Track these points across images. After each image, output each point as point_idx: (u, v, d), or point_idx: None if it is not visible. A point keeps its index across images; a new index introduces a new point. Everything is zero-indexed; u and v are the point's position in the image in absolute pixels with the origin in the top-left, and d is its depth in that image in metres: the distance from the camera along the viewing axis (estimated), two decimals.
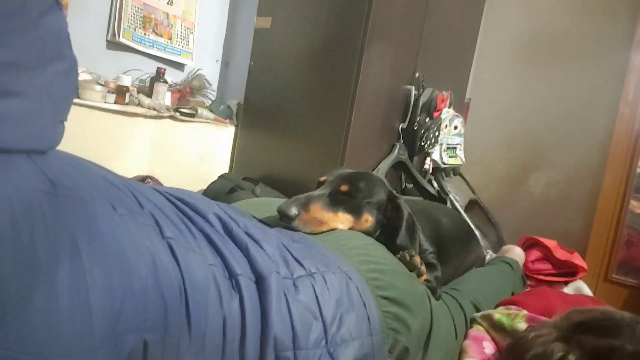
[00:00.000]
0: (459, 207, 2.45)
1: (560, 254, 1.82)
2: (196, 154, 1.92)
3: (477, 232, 2.34)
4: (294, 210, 0.87)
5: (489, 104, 2.92)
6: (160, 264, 0.49)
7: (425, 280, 1.01)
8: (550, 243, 1.87)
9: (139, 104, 1.73)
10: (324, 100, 1.96)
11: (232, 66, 2.21)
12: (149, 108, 1.74)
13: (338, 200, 0.94)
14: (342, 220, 0.94)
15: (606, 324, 0.75)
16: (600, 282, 2.44)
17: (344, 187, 0.96)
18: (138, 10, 1.80)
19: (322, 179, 1.01)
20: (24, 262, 0.36)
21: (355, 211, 0.96)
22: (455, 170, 2.65)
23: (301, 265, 0.70)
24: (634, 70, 2.36)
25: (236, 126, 2.12)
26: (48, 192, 0.41)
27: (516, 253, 1.63)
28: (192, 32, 2.03)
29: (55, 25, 0.44)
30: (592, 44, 2.60)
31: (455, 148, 2.54)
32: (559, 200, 2.60)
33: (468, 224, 1.77)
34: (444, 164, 2.46)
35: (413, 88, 2.18)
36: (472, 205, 2.73)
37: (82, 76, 1.63)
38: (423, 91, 2.21)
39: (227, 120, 2.09)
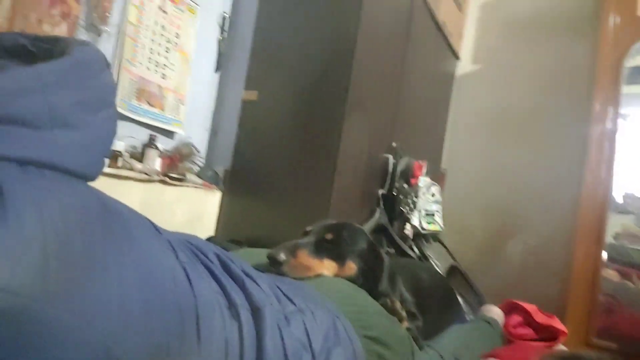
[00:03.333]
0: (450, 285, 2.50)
1: (541, 318, 1.85)
2: (184, 217, 1.98)
3: (458, 297, 2.38)
4: (282, 256, 0.93)
5: (463, 173, 3.08)
6: (178, 281, 0.54)
7: (407, 328, 1.05)
8: (530, 307, 1.91)
9: (131, 168, 1.81)
10: (307, 167, 2.07)
11: (220, 135, 2.33)
12: (140, 172, 1.81)
13: (323, 248, 1.01)
14: (327, 267, 1.00)
15: (575, 356, 0.80)
16: (581, 347, 2.45)
17: (328, 236, 1.02)
18: (134, 83, 1.93)
19: (307, 228, 1.08)
20: (89, 255, 0.43)
21: (339, 258, 1.02)
22: (434, 237, 2.73)
23: (292, 302, 0.75)
24: (593, 141, 2.55)
25: (222, 192, 2.20)
26: (102, 209, 0.48)
27: (495, 312, 1.67)
28: (182, 104, 2.17)
29: (109, 79, 0.54)
30: (554, 118, 2.82)
31: (433, 215, 2.64)
32: (536, 266, 2.67)
33: (447, 282, 1.82)
34: (424, 229, 2.54)
35: (391, 157, 2.32)
36: (453, 272, 2.78)
37: None
38: (400, 159, 2.34)
39: (214, 186, 2.17)
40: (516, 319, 1.87)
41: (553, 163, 2.76)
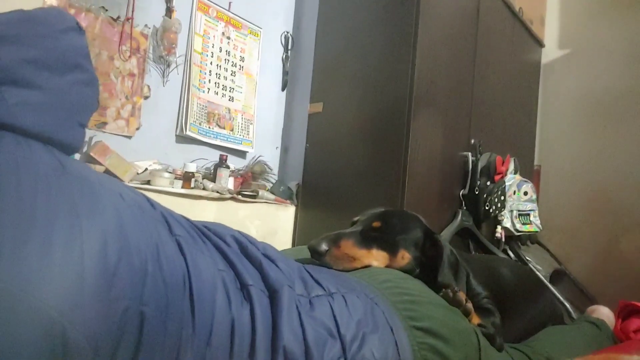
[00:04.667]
0: (541, 278, 2.24)
1: None
2: (258, 232, 1.99)
3: (567, 304, 2.11)
4: (323, 246, 0.87)
5: (562, 167, 2.78)
6: (164, 251, 0.50)
7: (479, 325, 0.92)
8: None
9: (204, 188, 1.87)
10: (376, 173, 1.99)
11: (290, 151, 2.35)
12: (212, 191, 1.87)
13: (371, 237, 0.92)
14: (376, 257, 0.91)
15: None
16: None
17: (376, 224, 0.94)
18: (203, 107, 2.02)
19: (355, 219, 1.01)
20: (23, 212, 0.40)
21: (390, 248, 0.93)
22: (532, 239, 2.47)
23: (320, 285, 0.69)
24: None
25: (296, 206, 2.19)
26: (56, 168, 0.46)
27: (603, 313, 1.43)
28: (251, 123, 2.22)
29: (76, 43, 0.53)
30: None
31: (528, 214, 2.39)
32: None
33: (537, 277, 1.60)
34: (518, 231, 2.31)
35: (470, 154, 2.16)
36: (560, 277, 2.48)
37: (153, 166, 1.83)
38: (481, 156, 2.17)
39: (288, 201, 2.17)
40: (637, 323, 1.60)
41: None
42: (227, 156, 2.02)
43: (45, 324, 0.37)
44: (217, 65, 2.12)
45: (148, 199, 0.58)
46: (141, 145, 1.85)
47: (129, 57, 1.78)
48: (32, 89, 0.47)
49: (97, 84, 0.58)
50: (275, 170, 2.35)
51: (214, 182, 1.96)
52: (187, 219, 0.63)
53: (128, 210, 0.50)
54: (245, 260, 0.64)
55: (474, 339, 0.80)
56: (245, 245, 0.67)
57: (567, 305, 2.12)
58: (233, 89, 2.18)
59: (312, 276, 0.70)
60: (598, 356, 0.98)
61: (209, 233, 0.64)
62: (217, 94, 2.11)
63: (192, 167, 1.87)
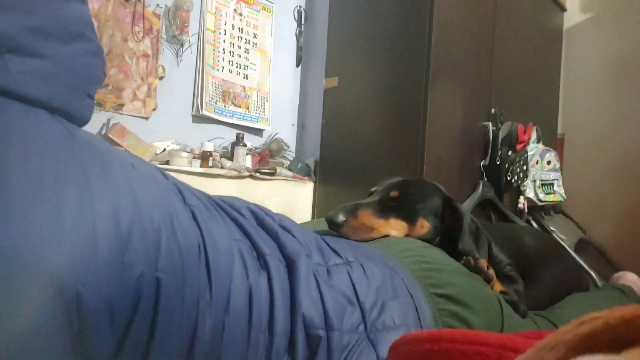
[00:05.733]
0: (564, 246, 2.20)
1: None
2: (277, 209, 1.99)
3: (592, 273, 2.07)
4: (341, 217, 0.86)
5: (585, 136, 2.70)
6: (177, 220, 0.50)
7: (501, 292, 0.91)
8: None
9: (222, 167, 1.88)
10: (394, 146, 1.97)
11: (307, 128, 2.33)
12: (230, 169, 1.88)
13: (389, 207, 0.91)
14: (394, 227, 0.91)
15: None
16: None
17: (394, 193, 0.93)
18: (218, 86, 2.01)
19: (372, 189, 1.00)
20: (32, 177, 0.39)
21: (409, 217, 0.92)
22: (555, 208, 2.43)
23: (338, 254, 0.68)
24: None
25: (314, 182, 2.19)
26: (65, 136, 0.46)
27: (629, 279, 1.40)
28: (267, 101, 2.21)
29: (79, 12, 0.52)
30: None
31: (552, 184, 2.34)
32: None
33: (560, 245, 1.57)
34: (541, 201, 2.27)
35: (490, 124, 2.11)
36: (585, 246, 2.44)
37: (171, 147, 1.84)
38: (502, 125, 2.12)
39: (306, 177, 2.17)
40: None
41: None
42: (243, 134, 2.02)
43: (57, 287, 0.37)
44: (231, 43, 2.10)
45: (160, 170, 0.58)
46: (158, 126, 1.86)
47: (142, 37, 1.78)
48: (36, 57, 0.46)
49: (103, 54, 0.57)
50: (292, 147, 2.34)
51: (232, 160, 1.97)
52: (201, 192, 0.63)
53: (140, 179, 0.50)
54: (262, 231, 0.63)
55: (496, 306, 0.79)
56: (261, 217, 0.66)
57: (593, 273, 2.08)
58: (247, 66, 2.17)
59: (329, 246, 0.70)
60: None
61: (224, 205, 0.64)
62: (231, 72, 2.10)
63: (209, 146, 1.88)
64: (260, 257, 0.58)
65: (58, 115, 0.48)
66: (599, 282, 2.00)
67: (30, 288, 0.36)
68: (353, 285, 0.63)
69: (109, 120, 1.66)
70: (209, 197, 0.63)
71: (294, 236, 0.65)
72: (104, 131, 1.66)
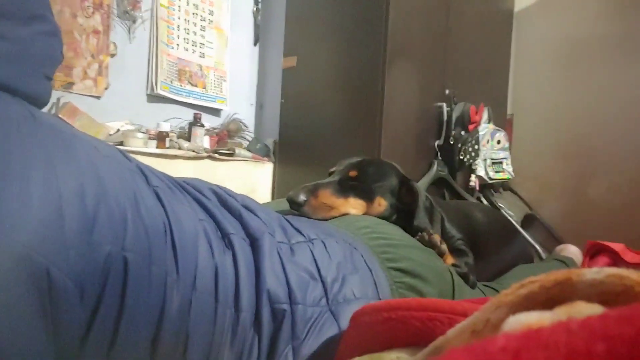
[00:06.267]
0: (512, 222, 2.33)
1: (630, 257, 1.66)
2: (236, 189, 1.99)
3: (537, 246, 2.20)
4: (302, 197, 0.88)
5: (533, 116, 2.83)
6: (142, 200, 0.50)
7: (453, 265, 0.96)
8: (618, 247, 1.71)
9: (179, 148, 1.85)
10: (352, 126, 2.00)
11: (266, 107, 2.32)
12: (188, 150, 1.85)
13: (348, 186, 0.94)
14: (353, 205, 0.94)
15: None
16: None
17: (352, 173, 0.96)
18: (173, 64, 1.96)
19: (331, 169, 1.02)
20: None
21: (367, 195, 0.95)
22: (504, 186, 2.54)
23: (300, 232, 0.70)
24: None
25: (274, 162, 2.19)
26: (28, 118, 0.45)
27: (571, 251, 1.50)
28: (224, 80, 2.18)
29: None
30: (636, 41, 2.48)
31: (501, 162, 2.45)
32: (623, 206, 2.39)
33: (508, 220, 1.67)
34: (491, 179, 2.37)
35: (444, 105, 2.17)
36: (531, 221, 2.58)
37: (125, 127, 1.79)
38: (455, 106, 2.19)
39: (265, 158, 2.17)
40: (603, 260, 1.69)
41: (635, 94, 2.43)
42: (201, 115, 1.99)
43: (29, 266, 0.37)
44: (186, 19, 2.05)
45: (123, 152, 0.57)
46: (111, 106, 1.80)
47: (92, 13, 1.70)
48: None
49: (60, 35, 0.56)
50: (251, 127, 2.33)
51: (189, 141, 1.94)
52: (164, 174, 0.63)
53: (103, 160, 0.49)
54: (225, 211, 0.64)
55: (448, 277, 0.84)
56: (224, 198, 0.67)
57: (537, 247, 2.22)
58: (203, 44, 2.12)
59: (291, 224, 0.71)
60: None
61: (186, 186, 0.64)
62: (187, 50, 2.05)
63: (166, 127, 1.84)
64: (225, 237, 0.59)
65: (19, 98, 0.47)
66: (543, 255, 2.13)
67: (1, 267, 0.36)
68: (315, 261, 0.65)
69: (58, 100, 1.60)
70: (171, 178, 0.63)
71: (257, 216, 0.66)
72: (53, 111, 1.59)
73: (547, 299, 0.31)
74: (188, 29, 2.05)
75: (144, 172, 0.56)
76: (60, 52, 0.56)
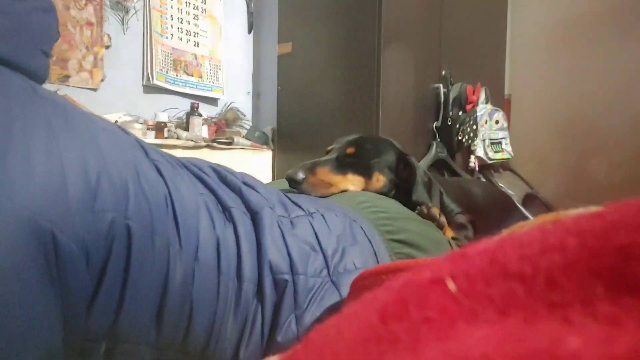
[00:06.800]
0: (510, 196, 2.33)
1: None
2: None
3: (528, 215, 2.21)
4: (300, 174, 0.89)
5: (532, 96, 2.82)
6: (143, 172, 0.50)
7: (453, 238, 0.97)
8: None
9: (178, 138, 1.85)
10: (350, 111, 2.00)
11: (262, 96, 2.32)
12: (186, 140, 1.85)
13: (346, 163, 0.95)
14: (352, 182, 0.94)
15: None
16: None
17: (350, 150, 0.96)
18: (168, 54, 1.96)
19: (329, 147, 1.02)
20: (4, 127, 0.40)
21: (365, 171, 0.95)
22: (504, 166, 2.55)
23: (299, 207, 0.70)
24: None
25: (273, 150, 2.19)
26: (28, 90, 0.45)
27: None
28: (220, 69, 2.17)
29: None
30: (633, 17, 2.47)
31: (500, 143, 2.45)
32: (625, 182, 2.40)
33: (508, 197, 1.67)
34: (490, 159, 2.38)
35: (441, 86, 2.17)
36: (532, 200, 2.59)
37: (123, 118, 1.79)
38: (452, 87, 2.19)
39: (264, 146, 2.17)
40: None
41: (633, 69, 2.42)
42: (198, 104, 1.99)
43: (35, 229, 0.38)
44: (179, 9, 2.04)
45: (121, 127, 0.58)
46: (108, 97, 1.80)
47: (85, 5, 1.70)
48: None
49: (55, 12, 0.56)
50: (249, 116, 2.33)
51: (188, 131, 1.94)
52: (163, 151, 0.63)
53: (103, 132, 0.50)
54: (225, 187, 0.65)
55: (448, 249, 0.85)
56: (223, 175, 0.68)
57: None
58: (197, 33, 2.11)
59: (291, 200, 0.72)
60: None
61: (187, 163, 0.64)
62: (181, 39, 2.04)
63: (163, 117, 1.84)
64: (226, 210, 0.60)
65: (19, 73, 0.47)
66: None
67: (9, 231, 0.36)
68: (315, 234, 0.66)
69: (55, 93, 1.59)
70: (170, 155, 0.63)
71: (257, 191, 0.66)
72: None
73: None
74: (181, 18, 2.04)
75: (143, 147, 0.56)
76: (57, 28, 0.56)
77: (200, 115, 1.98)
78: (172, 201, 0.52)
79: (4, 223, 0.36)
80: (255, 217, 0.62)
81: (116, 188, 0.45)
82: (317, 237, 0.66)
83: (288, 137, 2.19)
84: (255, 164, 2.14)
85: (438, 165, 2.18)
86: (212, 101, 2.19)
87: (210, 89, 2.14)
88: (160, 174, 0.54)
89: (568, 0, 2.68)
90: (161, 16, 1.96)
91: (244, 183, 0.68)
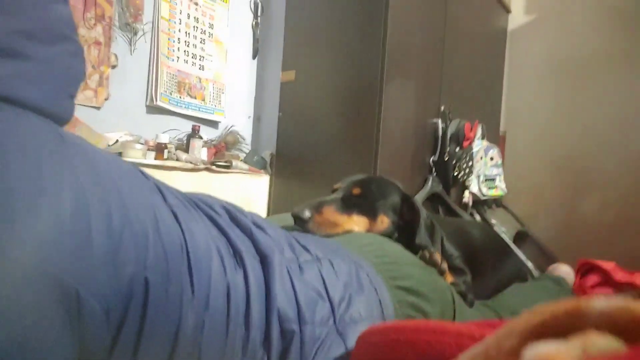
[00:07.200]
0: (505, 239, 2.36)
1: (620, 276, 1.69)
2: (233, 202, 2.00)
3: (524, 259, 2.23)
4: (307, 213, 0.90)
5: (527, 132, 2.88)
6: (162, 219, 0.51)
7: (452, 283, 0.98)
8: (608, 265, 1.75)
9: (177, 159, 1.86)
10: (349, 141, 2.02)
11: (263, 120, 2.34)
12: (185, 162, 1.86)
13: (351, 203, 0.96)
14: (356, 222, 0.95)
15: None
16: None
17: (356, 190, 0.98)
18: (173, 76, 1.98)
19: (335, 186, 1.04)
20: (31, 177, 0.40)
21: (370, 213, 0.97)
22: (497, 202, 2.58)
23: (307, 251, 0.71)
24: None
25: (270, 175, 2.21)
26: (56, 138, 0.46)
27: (563, 270, 1.53)
28: (223, 92, 2.20)
29: (63, 13, 0.52)
30: (625, 60, 2.54)
31: (494, 179, 2.49)
32: (616, 222, 2.43)
33: (502, 239, 1.70)
34: (484, 195, 2.41)
35: (440, 121, 2.21)
36: (523, 238, 2.61)
37: (124, 137, 1.80)
38: (450, 122, 2.22)
39: (262, 171, 2.18)
40: (593, 279, 1.72)
41: (627, 109, 2.49)
42: (199, 126, 2.00)
43: (60, 288, 0.38)
44: (186, 32, 2.07)
45: (140, 170, 0.59)
46: (111, 116, 1.81)
47: (94, 24, 1.72)
48: (25, 60, 0.46)
49: (83, 54, 0.57)
50: (248, 140, 2.35)
51: (187, 152, 1.95)
52: (177, 190, 0.64)
53: (125, 179, 0.51)
54: (236, 228, 0.66)
55: (449, 296, 0.86)
56: (234, 215, 0.68)
57: (529, 264, 2.24)
58: (203, 57, 2.14)
59: (299, 242, 0.73)
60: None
61: (199, 203, 0.65)
62: (186, 62, 2.07)
63: (164, 138, 1.85)
64: (237, 254, 0.60)
65: (45, 117, 0.48)
66: (534, 272, 2.16)
67: (33, 287, 0.37)
68: (323, 280, 0.66)
69: (78, 136, 1.60)
70: (185, 195, 0.64)
71: (266, 233, 0.67)
72: None
73: (557, 327, 0.33)
74: (188, 42, 2.07)
75: (161, 190, 0.57)
76: (83, 70, 0.57)
77: (200, 137, 1.99)
78: (187, 248, 0.53)
79: (29, 279, 0.37)
80: (264, 261, 0.63)
81: (137, 239, 0.46)
82: (324, 284, 0.66)
83: (286, 162, 2.20)
84: (252, 188, 2.14)
85: (432, 199, 2.20)
86: (213, 124, 2.21)
87: (212, 111, 2.16)
88: (177, 220, 0.55)
89: (563, 41, 2.76)
90: (169, 39, 1.98)
91: (254, 224, 0.69)
